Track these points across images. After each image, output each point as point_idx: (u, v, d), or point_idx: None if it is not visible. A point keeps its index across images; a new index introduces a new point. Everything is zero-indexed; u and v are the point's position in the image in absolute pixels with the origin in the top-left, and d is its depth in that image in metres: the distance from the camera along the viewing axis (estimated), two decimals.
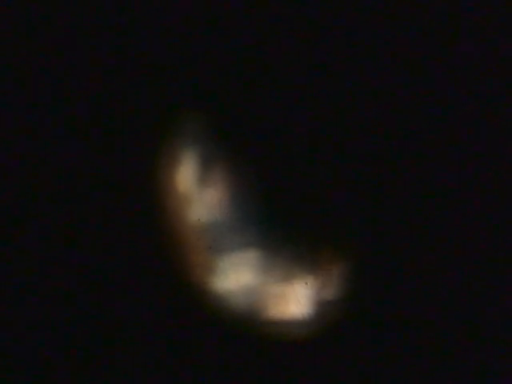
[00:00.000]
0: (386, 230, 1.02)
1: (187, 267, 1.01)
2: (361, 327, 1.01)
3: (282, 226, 1.01)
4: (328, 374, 1.01)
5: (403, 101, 1.02)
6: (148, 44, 1.02)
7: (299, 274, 1.01)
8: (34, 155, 1.01)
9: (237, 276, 1.01)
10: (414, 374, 1.01)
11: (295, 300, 1.01)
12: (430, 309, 1.02)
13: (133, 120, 1.02)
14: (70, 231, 1.00)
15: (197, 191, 1.02)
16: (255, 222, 1.01)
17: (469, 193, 1.03)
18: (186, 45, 1.02)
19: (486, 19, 1.03)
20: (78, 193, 1.01)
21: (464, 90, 1.03)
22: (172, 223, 1.01)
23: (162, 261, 1.01)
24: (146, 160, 1.02)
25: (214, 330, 1.00)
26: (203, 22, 1.01)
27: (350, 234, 1.02)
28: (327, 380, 1.01)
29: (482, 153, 1.03)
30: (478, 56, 1.03)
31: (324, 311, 1.01)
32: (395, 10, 1.02)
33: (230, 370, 1.01)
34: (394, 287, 1.01)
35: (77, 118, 1.01)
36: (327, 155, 1.02)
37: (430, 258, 1.02)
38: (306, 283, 1.01)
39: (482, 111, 1.03)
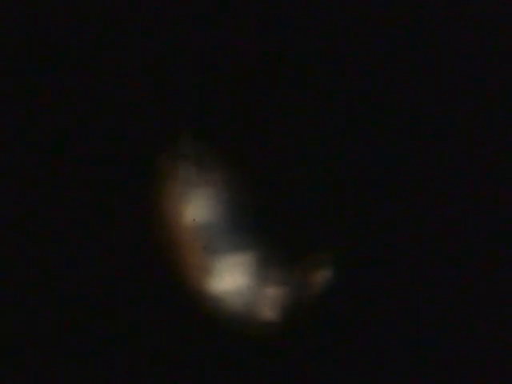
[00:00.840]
0: (374, 238, 1.01)
1: (182, 267, 1.01)
2: (349, 330, 1.01)
3: (277, 228, 1.01)
4: (322, 374, 1.01)
5: (392, 107, 1.02)
6: (147, 60, 1.02)
7: (293, 276, 1.01)
8: (35, 162, 1.01)
9: (232, 277, 1.01)
10: (391, 377, 1.00)
11: (290, 302, 1.01)
12: (411, 315, 1.01)
13: (133, 125, 1.02)
14: (65, 231, 1.01)
15: (193, 192, 1.02)
16: (251, 223, 1.01)
17: (457, 193, 1.02)
18: (185, 61, 1.02)
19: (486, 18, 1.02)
20: (75, 193, 1.01)
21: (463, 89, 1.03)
22: (168, 223, 1.01)
23: (157, 261, 1.01)
24: (144, 161, 1.02)
25: (209, 331, 1.00)
26: (204, 40, 1.01)
27: (339, 238, 1.02)
28: (324, 380, 1.01)
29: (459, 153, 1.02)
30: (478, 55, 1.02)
31: (316, 314, 1.01)
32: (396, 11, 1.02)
33: (225, 371, 1.01)
34: (380, 291, 1.01)
35: (81, 124, 1.02)
36: (320, 162, 1.02)
37: (414, 267, 1.01)
38: (301, 284, 1.01)
39: (480, 111, 1.02)
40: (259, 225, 1.01)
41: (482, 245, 1.01)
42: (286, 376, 1.01)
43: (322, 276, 1.02)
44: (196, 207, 1.01)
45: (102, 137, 1.02)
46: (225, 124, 1.02)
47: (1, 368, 0.99)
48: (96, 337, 1.00)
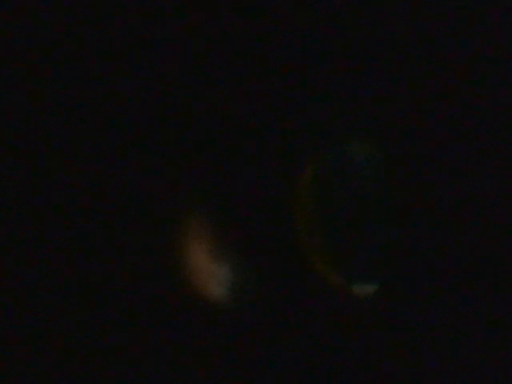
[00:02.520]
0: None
1: (187, 271, 1.01)
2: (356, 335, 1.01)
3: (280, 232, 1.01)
4: (322, 374, 1.01)
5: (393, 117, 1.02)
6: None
7: (297, 279, 1.01)
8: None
9: (237, 280, 1.01)
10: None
11: (294, 305, 1.01)
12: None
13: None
14: (73, 232, 1.00)
15: (200, 196, 1.01)
16: (255, 224, 1.01)
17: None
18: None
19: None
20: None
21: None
22: (174, 226, 1.01)
23: (163, 264, 1.01)
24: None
25: (214, 334, 1.01)
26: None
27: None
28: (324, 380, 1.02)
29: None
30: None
31: (318, 316, 1.01)
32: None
33: (228, 373, 1.01)
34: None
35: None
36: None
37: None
38: (302, 287, 1.01)
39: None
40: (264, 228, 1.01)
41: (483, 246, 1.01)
42: (287, 378, 1.01)
43: (324, 280, 1.02)
44: (202, 211, 1.01)
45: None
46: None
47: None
48: (98, 338, 1.00)
